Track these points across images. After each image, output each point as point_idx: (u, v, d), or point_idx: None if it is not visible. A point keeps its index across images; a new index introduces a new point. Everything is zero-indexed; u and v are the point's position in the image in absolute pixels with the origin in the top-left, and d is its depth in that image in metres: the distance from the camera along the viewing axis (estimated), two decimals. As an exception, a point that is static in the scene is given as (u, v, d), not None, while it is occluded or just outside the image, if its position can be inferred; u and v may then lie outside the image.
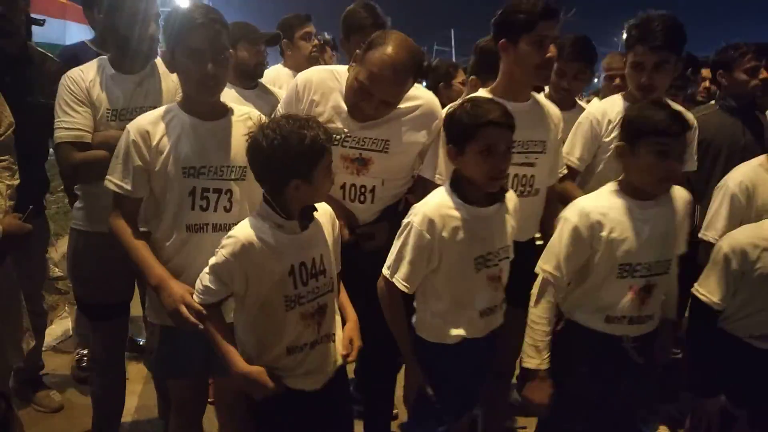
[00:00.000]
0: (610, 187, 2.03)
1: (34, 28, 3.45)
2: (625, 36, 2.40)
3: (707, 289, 2.12)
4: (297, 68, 3.13)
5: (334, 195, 2.15)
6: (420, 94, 2.25)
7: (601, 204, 1.98)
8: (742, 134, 2.88)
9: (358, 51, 2.10)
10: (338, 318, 1.95)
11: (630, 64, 2.38)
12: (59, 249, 4.36)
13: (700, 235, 2.38)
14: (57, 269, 4.33)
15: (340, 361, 1.92)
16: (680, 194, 2.06)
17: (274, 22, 3.73)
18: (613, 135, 2.37)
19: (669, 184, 1.98)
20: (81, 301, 2.53)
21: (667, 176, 1.93)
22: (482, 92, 2.30)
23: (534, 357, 1.99)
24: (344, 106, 2.15)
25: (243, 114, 2.04)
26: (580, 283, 2.03)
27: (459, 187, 1.94)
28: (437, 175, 2.20)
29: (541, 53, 2.10)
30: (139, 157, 1.90)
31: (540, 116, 2.27)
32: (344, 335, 1.92)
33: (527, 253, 2.16)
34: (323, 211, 1.88)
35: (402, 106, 2.16)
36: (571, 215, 1.99)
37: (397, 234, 1.95)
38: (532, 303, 2.03)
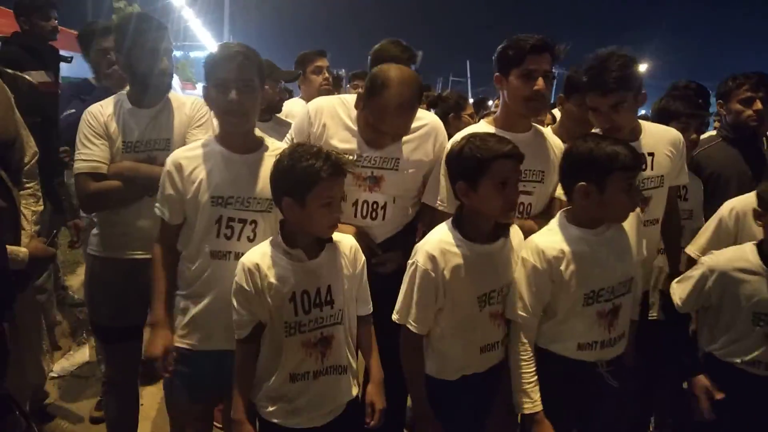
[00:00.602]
0: (559, 220, 2.05)
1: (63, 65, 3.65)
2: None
3: (679, 289, 2.27)
4: (309, 100, 3.24)
5: (346, 212, 2.23)
6: (423, 115, 2.38)
7: (554, 238, 1.99)
8: (747, 164, 2.87)
9: (360, 91, 2.23)
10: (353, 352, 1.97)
11: (590, 110, 2.33)
12: (78, 276, 4.47)
13: (685, 249, 2.47)
14: (76, 296, 4.45)
15: (350, 396, 1.93)
16: None
17: (290, 58, 3.94)
18: None
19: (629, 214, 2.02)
20: (95, 323, 2.60)
21: (632, 209, 2.00)
22: (483, 123, 2.36)
23: (527, 402, 1.97)
24: (355, 128, 2.29)
25: (277, 148, 2.06)
26: (549, 317, 2.05)
27: (461, 224, 1.97)
28: (439, 202, 2.26)
29: (529, 85, 2.16)
30: (171, 186, 2.02)
31: (540, 147, 2.32)
32: (367, 397, 1.96)
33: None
34: (347, 246, 1.93)
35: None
36: (527, 255, 2.00)
37: (404, 278, 1.98)
38: (511, 349, 2.03)
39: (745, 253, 2.15)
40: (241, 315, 1.85)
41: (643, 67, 2.59)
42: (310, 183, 1.74)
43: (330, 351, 1.87)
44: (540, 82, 2.15)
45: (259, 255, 1.84)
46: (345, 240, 1.96)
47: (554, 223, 2.06)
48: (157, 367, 1.99)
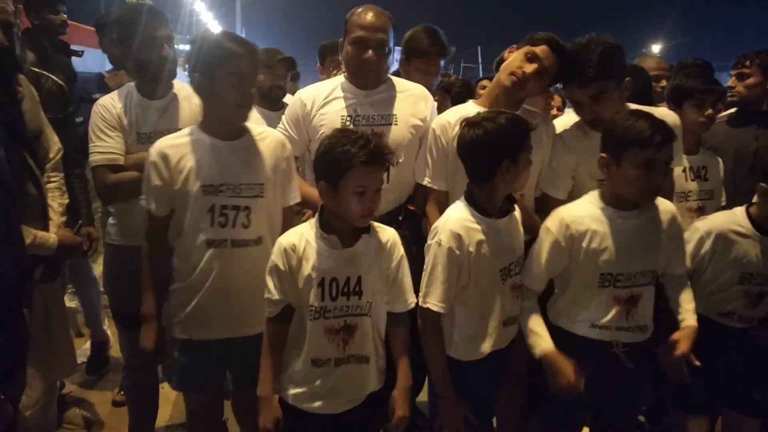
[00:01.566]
0: (592, 196, 2.06)
1: (74, 59, 3.71)
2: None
3: None
4: None
5: None
6: (409, 84, 2.49)
7: (581, 214, 2.01)
8: (755, 140, 2.86)
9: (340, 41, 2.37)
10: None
11: (573, 104, 2.32)
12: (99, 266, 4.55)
13: None
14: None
15: (372, 388, 1.94)
16: (665, 207, 2.07)
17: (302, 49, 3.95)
18: None
19: (654, 196, 1.99)
20: (115, 310, 2.68)
21: (651, 189, 1.95)
22: (471, 103, 2.39)
23: (540, 342, 2.00)
24: (349, 90, 2.37)
25: (260, 132, 2.12)
26: (563, 291, 2.07)
27: (474, 201, 1.99)
28: (427, 180, 2.32)
29: (512, 76, 2.18)
30: (158, 177, 2.00)
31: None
32: (391, 401, 1.92)
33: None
34: (385, 237, 1.92)
35: (396, 89, 2.40)
36: (551, 225, 2.03)
37: (427, 259, 1.96)
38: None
39: (737, 217, 2.24)
40: (273, 294, 1.87)
41: (656, 48, 2.57)
42: (343, 169, 1.74)
43: (353, 340, 1.87)
44: (527, 66, 2.17)
45: (298, 236, 1.87)
46: (385, 232, 1.94)
47: (586, 198, 2.07)
48: (147, 352, 2.07)
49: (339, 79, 2.44)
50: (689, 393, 2.24)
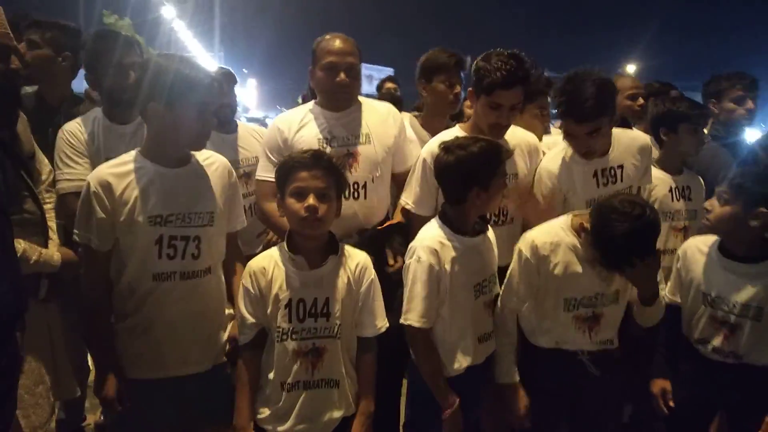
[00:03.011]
0: (562, 222, 2.11)
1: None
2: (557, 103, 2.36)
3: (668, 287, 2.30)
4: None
5: None
6: (376, 104, 2.57)
7: (550, 239, 2.07)
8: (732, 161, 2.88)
9: (309, 69, 2.44)
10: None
11: (564, 133, 2.37)
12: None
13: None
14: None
15: (344, 413, 1.90)
16: None
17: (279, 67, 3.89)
18: None
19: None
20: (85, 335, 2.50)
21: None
22: (457, 128, 2.44)
23: (509, 372, 2.11)
24: (321, 114, 2.41)
25: (207, 158, 2.03)
26: (533, 308, 2.12)
27: (448, 220, 2.02)
28: (411, 204, 2.37)
29: (494, 115, 2.26)
30: (101, 209, 1.84)
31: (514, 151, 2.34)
32: (353, 429, 1.90)
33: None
34: (355, 261, 1.92)
35: (364, 109, 2.46)
36: (523, 247, 2.09)
37: (406, 279, 1.99)
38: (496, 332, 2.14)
39: (709, 239, 2.22)
40: (245, 319, 1.85)
41: (631, 69, 2.63)
42: (286, 173, 1.85)
43: (321, 363, 1.85)
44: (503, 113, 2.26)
45: (267, 258, 1.88)
46: (355, 255, 1.95)
47: (557, 222, 2.12)
48: (112, 406, 1.88)
49: (308, 106, 2.49)
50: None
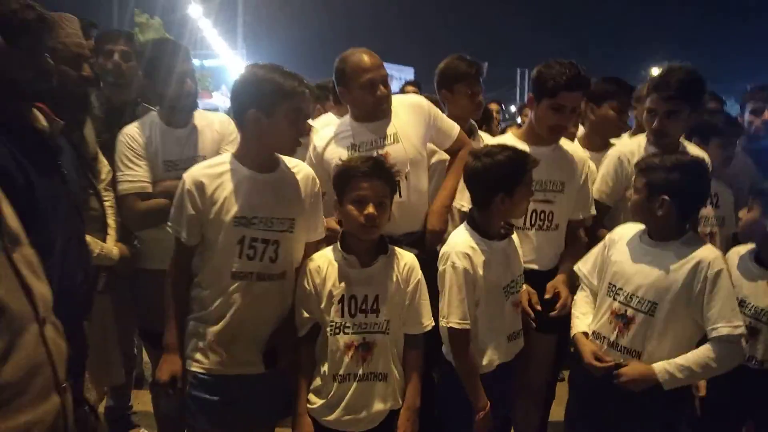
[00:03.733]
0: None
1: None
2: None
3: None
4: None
5: None
6: (399, 98, 2.65)
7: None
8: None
9: (338, 89, 2.51)
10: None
11: (646, 110, 2.49)
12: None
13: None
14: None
15: (391, 406, 2.00)
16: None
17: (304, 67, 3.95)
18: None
19: None
20: (143, 330, 2.71)
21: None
22: (510, 136, 2.53)
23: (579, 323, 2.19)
24: (348, 126, 2.52)
25: (294, 165, 2.12)
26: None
27: (475, 225, 2.12)
28: (465, 205, 2.42)
29: (557, 117, 2.33)
30: (192, 206, 1.97)
31: (561, 159, 2.45)
32: (398, 422, 1.99)
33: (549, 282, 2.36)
34: (403, 262, 2.04)
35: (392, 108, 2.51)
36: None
37: (442, 284, 2.07)
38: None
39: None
40: (300, 313, 1.99)
41: (656, 72, 2.71)
42: (342, 183, 1.96)
43: (371, 357, 1.95)
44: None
45: (322, 258, 2.00)
46: (404, 256, 2.06)
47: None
48: (164, 389, 2.00)
49: (344, 119, 2.61)
50: None
